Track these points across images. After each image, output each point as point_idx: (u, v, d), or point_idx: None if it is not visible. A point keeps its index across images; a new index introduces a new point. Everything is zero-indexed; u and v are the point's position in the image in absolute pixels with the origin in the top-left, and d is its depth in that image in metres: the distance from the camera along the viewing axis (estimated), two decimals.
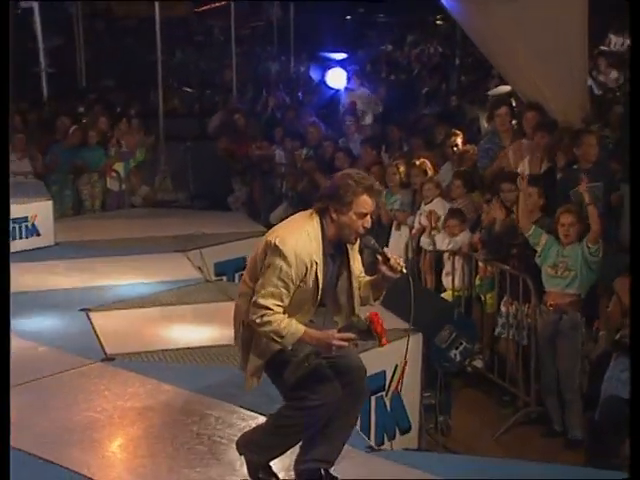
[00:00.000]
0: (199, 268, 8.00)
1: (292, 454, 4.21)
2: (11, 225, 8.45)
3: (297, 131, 11.05)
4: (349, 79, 12.38)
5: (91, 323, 6.41)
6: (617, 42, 12.37)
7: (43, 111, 12.70)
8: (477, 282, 7.46)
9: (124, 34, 20.80)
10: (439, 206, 8.04)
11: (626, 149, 3.84)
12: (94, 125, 11.50)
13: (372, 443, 5.89)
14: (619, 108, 8.36)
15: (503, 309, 7.12)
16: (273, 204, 10.62)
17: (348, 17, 23.25)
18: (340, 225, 3.87)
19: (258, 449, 4.17)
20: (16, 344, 6.00)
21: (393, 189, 8.64)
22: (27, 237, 8.58)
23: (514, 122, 8.21)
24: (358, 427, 5.79)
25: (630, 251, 3.51)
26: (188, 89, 17.98)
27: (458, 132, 8.80)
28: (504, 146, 8.02)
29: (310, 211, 3.95)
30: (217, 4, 19.95)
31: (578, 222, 6.60)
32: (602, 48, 12.22)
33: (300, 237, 3.84)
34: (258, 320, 3.82)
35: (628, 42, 10.93)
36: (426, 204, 8.15)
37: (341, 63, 14.80)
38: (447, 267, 7.77)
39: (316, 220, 3.90)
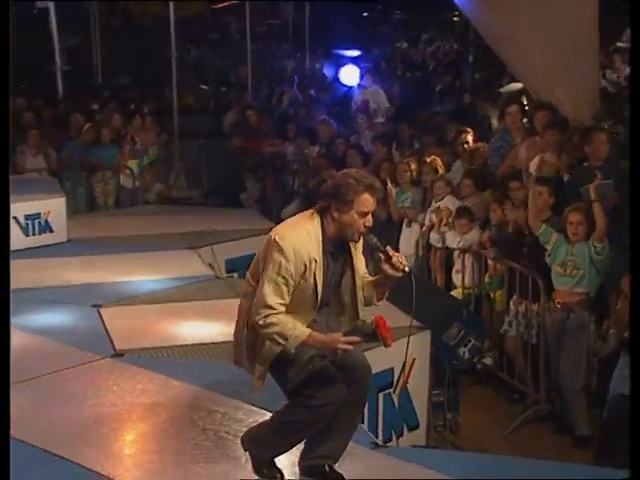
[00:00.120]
0: (210, 265, 8.04)
1: (297, 450, 4.24)
2: (24, 221, 8.57)
3: (309, 128, 11.07)
4: (362, 76, 12.38)
5: (102, 319, 6.45)
6: None
7: (58, 108, 12.77)
8: (486, 280, 7.47)
9: (141, 32, 20.88)
10: (450, 204, 8.04)
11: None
12: (108, 122, 11.56)
13: (380, 440, 5.92)
14: None
15: (512, 307, 7.12)
16: (285, 201, 10.65)
17: (365, 14, 23.25)
18: (342, 224, 3.89)
19: (263, 445, 4.21)
20: (27, 339, 6.12)
21: (404, 186, 8.65)
22: (40, 233, 8.63)
23: (525, 120, 8.19)
24: (366, 424, 5.86)
25: (630, 251, 3.50)
26: (204, 86, 18.04)
27: (469, 130, 8.79)
28: (515, 144, 8.00)
29: (311, 210, 3.98)
30: (233, 2, 19.99)
31: (586, 221, 6.59)
32: (618, 45, 12.17)
33: (299, 234, 3.87)
34: (261, 322, 3.84)
35: None
36: (437, 202, 8.16)
37: (355, 60, 14.81)
38: (457, 265, 7.78)
39: (316, 219, 3.93)
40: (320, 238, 3.90)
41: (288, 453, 4.27)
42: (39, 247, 8.50)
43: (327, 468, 4.19)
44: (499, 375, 7.38)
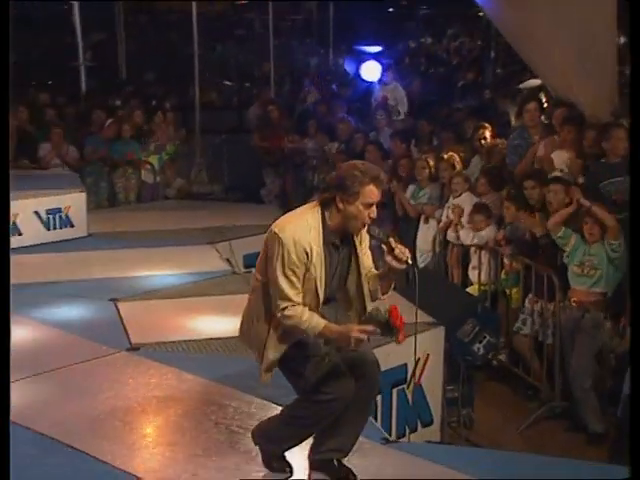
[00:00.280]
0: (227, 260, 8.09)
1: (307, 444, 4.27)
2: (45, 216, 8.68)
3: (329, 125, 11.08)
4: (383, 72, 12.38)
5: (119, 313, 6.53)
6: None
7: (80, 105, 12.88)
8: (503, 277, 7.47)
9: (167, 29, 20.98)
10: (467, 200, 8.04)
11: None
12: (129, 118, 11.64)
13: (393, 435, 5.97)
14: None
15: (527, 305, 7.11)
16: (305, 197, 10.68)
17: (390, 10, 23.19)
18: (347, 215, 3.91)
19: (272, 439, 4.26)
20: (45, 332, 6.22)
21: (422, 183, 8.66)
22: (61, 228, 8.76)
23: (543, 117, 8.16)
24: (379, 419, 5.90)
25: (630, 251, 3.49)
26: (228, 82, 18.09)
27: (486, 125, 8.76)
28: (533, 142, 7.97)
29: (314, 202, 4.01)
30: None
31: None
32: None
33: (298, 225, 3.90)
34: (280, 314, 3.90)
35: None
36: (454, 198, 8.16)
37: (377, 56, 14.79)
38: (474, 261, 7.78)
39: (317, 210, 3.95)
40: (320, 229, 3.92)
41: (299, 447, 4.29)
42: (60, 241, 8.62)
43: (336, 462, 4.23)
44: (514, 372, 7.37)
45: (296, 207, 4.12)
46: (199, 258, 8.07)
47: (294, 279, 3.87)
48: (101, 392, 5.20)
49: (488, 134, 8.71)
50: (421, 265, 8.48)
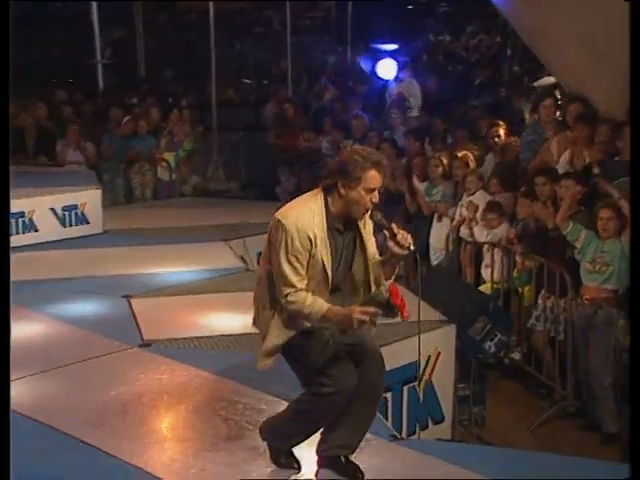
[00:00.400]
0: (241, 257, 8.13)
1: (315, 439, 4.30)
2: (61, 213, 8.75)
3: (344, 122, 11.08)
4: (399, 70, 12.38)
5: (132, 309, 6.58)
6: None
7: (98, 102, 12.97)
8: (515, 275, 7.46)
9: (186, 27, 21.06)
10: (481, 198, 8.03)
11: None
12: (146, 115, 11.70)
13: (404, 433, 5.98)
14: None
15: (540, 302, 7.10)
16: None
17: (410, 7, 23.14)
18: (349, 200, 3.91)
19: (279, 435, 4.29)
20: (58, 328, 6.29)
21: (435, 181, 8.66)
22: (76, 225, 8.84)
23: (558, 114, 8.14)
24: (390, 417, 5.91)
25: (630, 251, 3.49)
26: (246, 80, 18.13)
27: (500, 123, 8.75)
28: (547, 138, 7.96)
29: (316, 189, 4.01)
30: None
31: (617, 217, 6.54)
32: None
33: (302, 211, 3.91)
34: (283, 300, 3.92)
35: None
36: (468, 196, 8.16)
37: (394, 54, 14.77)
38: (486, 259, 7.78)
39: (320, 196, 3.96)
40: (323, 215, 3.93)
41: (307, 444, 4.32)
42: (75, 238, 8.70)
43: (344, 459, 4.24)
44: (527, 370, 7.36)
45: None
46: (213, 255, 8.12)
47: (297, 265, 3.88)
48: (113, 387, 5.24)
49: (502, 132, 8.70)
50: (434, 263, 8.50)
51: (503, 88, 12.57)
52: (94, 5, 13.42)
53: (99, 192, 9.19)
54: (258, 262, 8.39)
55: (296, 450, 4.36)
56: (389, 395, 5.90)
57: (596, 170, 6.96)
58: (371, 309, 3.92)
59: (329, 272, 3.95)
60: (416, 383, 6.10)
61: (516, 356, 7.44)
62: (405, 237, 3.93)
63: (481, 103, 11.61)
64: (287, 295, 3.90)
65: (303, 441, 4.30)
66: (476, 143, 8.96)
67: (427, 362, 6.14)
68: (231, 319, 6.46)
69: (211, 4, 13.49)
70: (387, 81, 12.93)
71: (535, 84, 9.87)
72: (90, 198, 8.98)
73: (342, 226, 4.01)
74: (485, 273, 7.78)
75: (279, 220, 3.89)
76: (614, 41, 7.66)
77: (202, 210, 10.39)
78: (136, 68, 16.48)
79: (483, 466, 4.44)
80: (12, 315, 6.51)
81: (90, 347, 5.84)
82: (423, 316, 6.29)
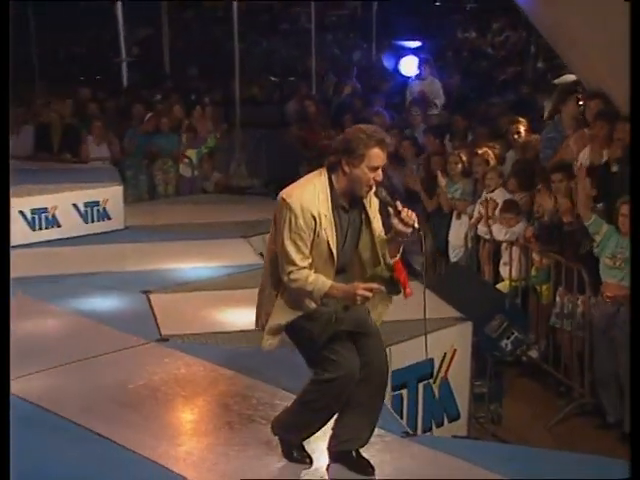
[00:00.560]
0: (261, 254, 8.16)
1: (325, 435, 4.34)
2: (83, 209, 8.85)
3: (365, 119, 11.07)
4: (420, 67, 12.36)
5: (150, 304, 6.64)
6: None
7: (121, 99, 13.08)
8: (533, 273, 7.44)
9: (213, 24, 21.16)
10: (500, 196, 8.02)
11: None
12: (168, 112, 11.78)
13: (419, 429, 6.00)
14: None
15: (558, 300, 7.09)
16: None
17: (437, 3, 23.09)
18: (352, 178, 3.93)
19: (289, 429, 4.33)
20: (77, 322, 6.36)
21: (455, 178, 8.64)
22: (98, 221, 8.91)
23: (579, 111, 8.10)
24: (405, 414, 5.93)
25: (631, 251, 3.48)
26: (272, 77, 18.18)
27: (521, 119, 8.72)
28: (567, 135, 7.93)
29: (321, 169, 4.02)
30: None
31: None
32: None
33: (306, 190, 3.93)
34: (286, 278, 3.94)
35: None
36: (487, 193, 8.14)
37: (418, 51, 14.75)
38: (505, 257, 7.76)
39: (324, 175, 3.98)
40: (328, 193, 3.94)
41: (319, 438, 4.37)
42: (97, 234, 8.78)
43: (355, 454, 4.28)
44: (545, 368, 7.34)
45: None
46: (233, 251, 8.16)
47: (300, 244, 3.89)
48: (129, 381, 5.30)
49: (523, 129, 8.66)
50: (453, 260, 8.51)
51: (527, 85, 12.50)
52: (119, 4, 13.54)
53: (121, 188, 9.26)
54: None
55: (308, 445, 4.40)
56: (404, 392, 5.93)
57: (615, 168, 6.93)
58: (374, 285, 3.95)
59: (334, 250, 3.97)
60: (432, 380, 6.13)
61: (534, 354, 7.43)
62: (409, 215, 3.93)
63: (503, 100, 11.56)
64: (290, 273, 3.92)
65: (313, 434, 4.34)
66: (497, 140, 8.93)
67: (443, 359, 6.15)
68: (248, 315, 6.33)
69: (235, 2, 13.51)
70: (409, 78, 12.91)
71: (556, 81, 9.80)
72: (112, 194, 9.06)
73: (347, 204, 4.02)
74: (503, 271, 7.77)
75: (283, 199, 3.91)
76: None
77: (223, 207, 10.44)
78: (162, 65, 16.60)
79: (495, 463, 4.45)
80: (33, 309, 6.70)
81: (108, 341, 5.90)
82: (439, 313, 6.38)
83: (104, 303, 6.77)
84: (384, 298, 4.23)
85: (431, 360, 6.07)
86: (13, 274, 7.47)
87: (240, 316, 6.48)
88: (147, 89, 13.97)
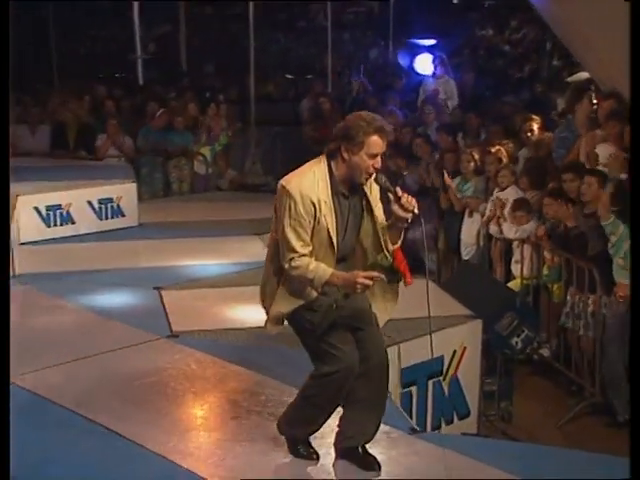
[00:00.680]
0: None
1: (333, 432, 4.37)
2: (97, 206, 8.91)
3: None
4: (436, 65, 12.35)
5: (162, 301, 6.68)
6: None
7: (136, 97, 13.14)
8: (545, 271, 7.43)
9: (231, 21, 21.19)
10: (512, 194, 8.00)
11: None
12: (183, 110, 11.83)
13: (429, 427, 6.01)
14: None
15: (569, 299, 7.07)
16: None
17: (455, 1, 23.00)
18: (351, 165, 3.94)
19: (293, 424, 4.36)
20: (89, 318, 6.41)
21: (467, 176, 8.64)
22: (112, 217, 8.99)
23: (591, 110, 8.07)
24: (414, 411, 5.95)
25: (631, 251, 3.48)
26: (288, 75, 18.19)
27: (535, 118, 8.70)
28: (580, 134, 7.90)
29: (321, 156, 4.04)
30: None
31: None
32: None
33: (305, 177, 3.94)
34: (287, 265, 3.96)
35: None
36: (499, 191, 8.14)
37: (434, 49, 14.71)
38: (516, 255, 7.75)
39: (323, 162, 3.99)
40: (328, 180, 3.96)
41: (326, 435, 4.40)
42: (111, 231, 8.85)
43: (361, 450, 4.30)
44: (556, 367, 7.33)
45: None
46: (245, 248, 8.19)
47: (300, 230, 3.91)
48: (139, 377, 5.33)
49: (536, 127, 8.64)
50: (465, 258, 8.51)
51: (541, 83, 12.45)
52: (135, 3, 13.63)
53: (134, 186, 9.33)
54: None
55: (315, 442, 4.42)
56: (414, 389, 5.95)
57: (623, 175, 6.91)
58: (374, 274, 3.96)
59: (334, 237, 3.98)
60: (441, 377, 6.13)
61: (545, 352, 7.42)
62: (409, 200, 3.94)
63: (518, 99, 11.53)
64: (291, 260, 3.93)
65: (317, 429, 4.36)
66: (510, 138, 8.91)
67: (452, 357, 6.16)
68: (259, 312, 6.40)
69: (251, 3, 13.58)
70: (424, 76, 12.90)
71: (569, 79, 9.77)
72: (126, 191, 9.13)
73: (347, 191, 4.03)
74: (515, 269, 7.76)
75: (283, 186, 3.93)
76: None
77: (237, 204, 10.49)
78: (178, 63, 16.65)
79: (502, 460, 4.45)
80: (46, 305, 6.74)
81: (119, 337, 5.94)
82: (450, 311, 6.40)
83: (116, 299, 6.83)
84: (387, 291, 4.23)
85: (441, 358, 6.08)
86: (28, 270, 7.62)
87: (251, 313, 6.48)
88: (163, 86, 14.02)
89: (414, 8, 18.18)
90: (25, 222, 8.21)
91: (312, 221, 3.92)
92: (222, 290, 7.03)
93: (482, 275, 7.51)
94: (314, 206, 3.90)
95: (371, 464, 4.29)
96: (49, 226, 8.55)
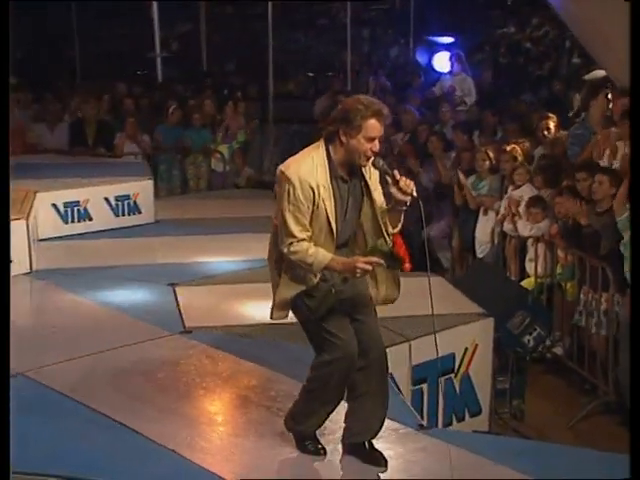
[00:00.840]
0: None
1: (340, 429, 4.41)
2: (114, 202, 8.98)
3: (394, 116, 11.09)
4: (453, 63, 12.34)
5: (176, 297, 6.73)
6: None
7: (155, 95, 13.23)
8: (558, 270, 7.42)
9: (252, 19, 21.24)
10: (527, 192, 8.00)
11: None
12: (200, 108, 11.89)
13: (440, 424, 6.02)
14: None
15: (582, 297, 7.06)
16: None
17: None
18: (349, 148, 3.95)
19: (298, 419, 4.39)
20: (104, 314, 6.48)
21: (482, 174, 8.65)
22: (129, 214, 9.03)
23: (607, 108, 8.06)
24: (425, 408, 5.96)
25: (631, 251, 3.48)
26: (309, 73, 18.22)
27: (551, 116, 8.68)
28: (595, 132, 7.89)
29: (319, 141, 4.06)
30: None
31: None
32: None
33: (304, 162, 3.97)
34: (286, 250, 3.98)
35: None
36: (514, 190, 8.13)
37: (453, 46, 14.70)
38: (530, 253, 7.75)
39: (322, 146, 4.01)
40: (326, 164, 3.97)
41: (333, 431, 4.44)
42: (127, 227, 8.91)
43: (367, 445, 4.33)
44: (569, 365, 7.32)
45: None
46: (259, 246, 8.13)
47: (299, 215, 3.93)
48: (152, 372, 5.39)
49: (552, 125, 8.63)
50: (480, 256, 8.51)
51: (560, 81, 12.41)
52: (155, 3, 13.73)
53: (151, 182, 9.38)
54: None
55: (323, 439, 4.44)
56: (425, 386, 5.96)
57: None
58: (374, 259, 3.97)
59: (332, 222, 4.00)
60: (453, 375, 6.15)
61: (558, 351, 7.41)
62: (407, 183, 3.95)
63: (536, 97, 11.50)
64: (290, 244, 3.96)
65: (322, 423, 4.39)
66: (526, 137, 8.90)
67: (464, 354, 6.17)
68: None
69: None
70: (442, 74, 12.89)
71: (586, 77, 9.73)
72: (142, 188, 9.18)
73: (346, 174, 4.04)
74: (529, 267, 7.76)
75: (282, 171, 3.96)
76: None
77: (254, 201, 10.50)
78: (199, 61, 16.73)
79: (512, 458, 4.47)
80: (63, 299, 6.84)
81: (133, 333, 5.99)
82: (461, 309, 6.41)
83: (131, 295, 6.87)
84: (388, 277, 4.25)
85: (452, 355, 6.09)
86: (45, 265, 7.70)
87: (263, 309, 6.48)
88: (183, 85, 14.10)
89: (435, 6, 18.16)
90: (43, 219, 8.28)
91: (311, 206, 3.94)
92: (236, 287, 7.06)
93: (495, 273, 7.51)
94: (313, 191, 3.92)
95: (377, 460, 4.32)
96: (66, 222, 8.62)
